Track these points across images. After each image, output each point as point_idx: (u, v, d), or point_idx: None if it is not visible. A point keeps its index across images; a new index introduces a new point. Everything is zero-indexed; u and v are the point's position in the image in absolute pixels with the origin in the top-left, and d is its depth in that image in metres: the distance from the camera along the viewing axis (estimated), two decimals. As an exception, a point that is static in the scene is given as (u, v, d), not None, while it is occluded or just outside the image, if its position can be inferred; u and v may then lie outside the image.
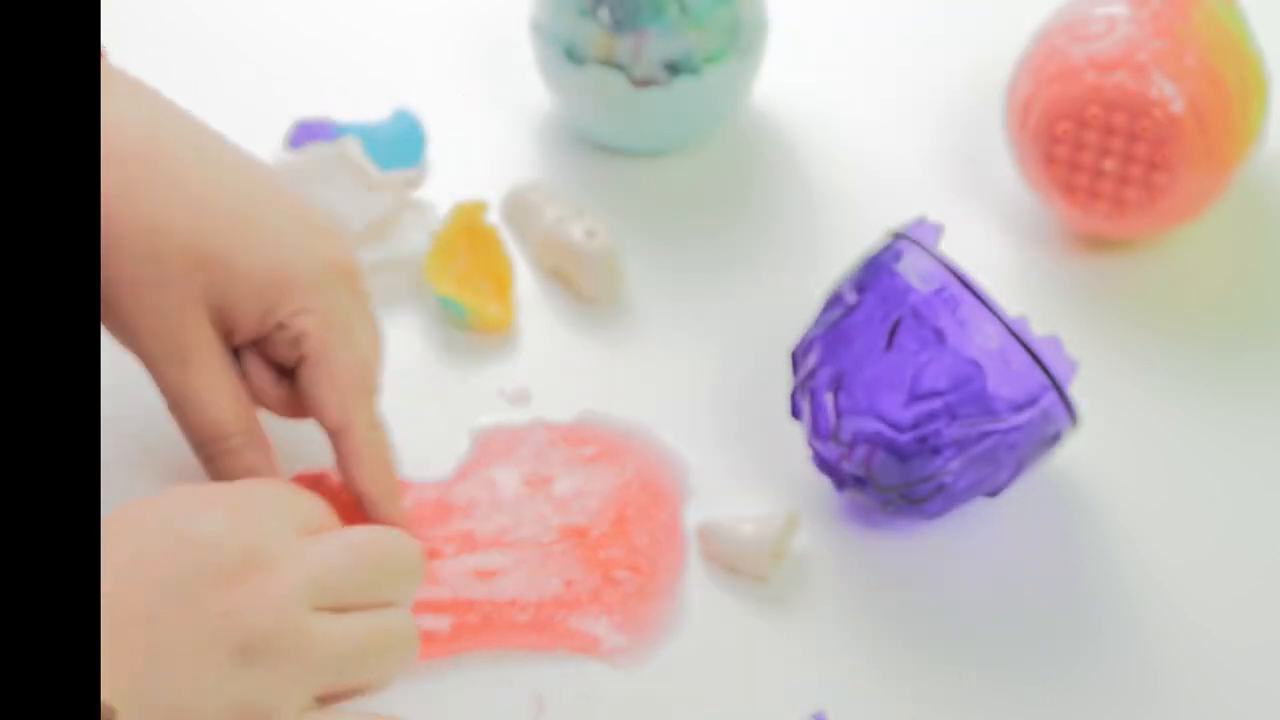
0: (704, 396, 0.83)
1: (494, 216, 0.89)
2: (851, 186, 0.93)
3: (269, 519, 0.65)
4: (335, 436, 0.75)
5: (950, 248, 0.76)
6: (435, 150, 0.93)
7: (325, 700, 0.64)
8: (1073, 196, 0.86)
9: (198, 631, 0.61)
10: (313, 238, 0.75)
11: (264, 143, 0.90)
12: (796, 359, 0.78)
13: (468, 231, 0.86)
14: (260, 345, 0.75)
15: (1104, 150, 0.84)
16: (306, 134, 0.90)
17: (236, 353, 0.75)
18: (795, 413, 0.78)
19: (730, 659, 0.74)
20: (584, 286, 0.87)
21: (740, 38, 0.90)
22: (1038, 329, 0.79)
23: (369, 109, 0.93)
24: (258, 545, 0.63)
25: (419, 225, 0.88)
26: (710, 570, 0.77)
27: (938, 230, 0.77)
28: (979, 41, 0.99)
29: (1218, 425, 0.82)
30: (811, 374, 0.76)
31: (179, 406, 0.74)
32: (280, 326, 0.74)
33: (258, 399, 0.76)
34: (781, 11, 0.96)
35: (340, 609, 0.64)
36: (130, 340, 0.73)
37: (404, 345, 0.85)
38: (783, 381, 0.81)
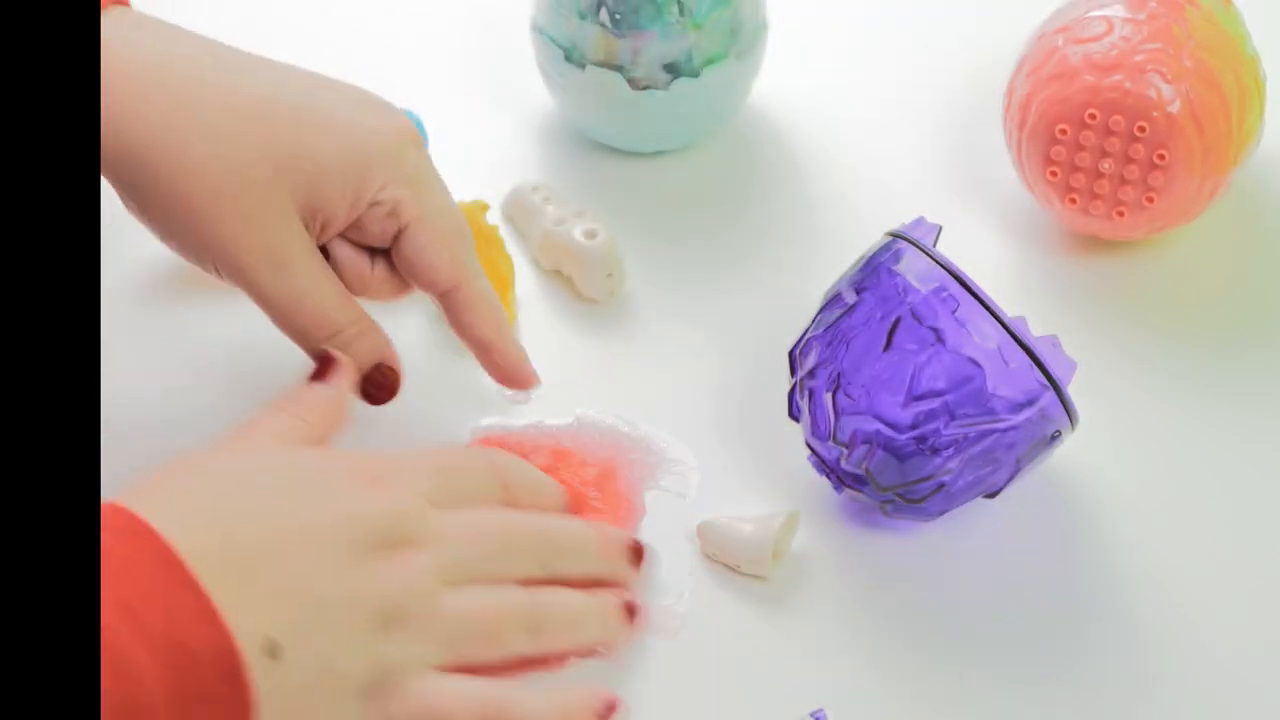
0: (704, 396, 0.83)
1: (494, 217, 0.90)
2: (851, 187, 0.93)
3: (417, 491, 0.68)
4: (450, 294, 0.77)
5: (949, 248, 0.77)
6: (436, 151, 0.93)
7: (465, 671, 0.67)
8: (1071, 197, 0.86)
9: (344, 597, 0.64)
10: (376, 114, 0.75)
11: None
12: (795, 359, 0.78)
13: (468, 231, 0.87)
14: (349, 233, 0.76)
15: (1102, 151, 0.84)
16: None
17: (324, 249, 0.76)
18: (794, 413, 0.78)
19: (730, 659, 0.74)
20: (584, 286, 0.87)
21: (740, 39, 0.90)
22: (1036, 329, 0.79)
23: (370, 110, 0.93)
24: (403, 522, 0.67)
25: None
26: (710, 570, 0.77)
27: (936, 230, 0.77)
28: (978, 42, 0.99)
29: (1216, 425, 0.82)
30: (810, 374, 0.76)
31: (287, 311, 0.74)
32: (373, 204, 0.74)
33: (357, 288, 0.77)
34: (781, 12, 0.96)
35: (475, 584, 0.68)
36: (223, 259, 0.73)
37: (404, 345, 0.85)
38: (782, 381, 0.81)
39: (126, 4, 0.75)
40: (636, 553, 0.73)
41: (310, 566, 0.64)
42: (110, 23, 0.73)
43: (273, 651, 0.61)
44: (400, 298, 0.79)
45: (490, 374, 0.79)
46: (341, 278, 0.76)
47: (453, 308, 0.77)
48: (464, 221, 0.77)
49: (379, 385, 0.76)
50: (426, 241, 0.75)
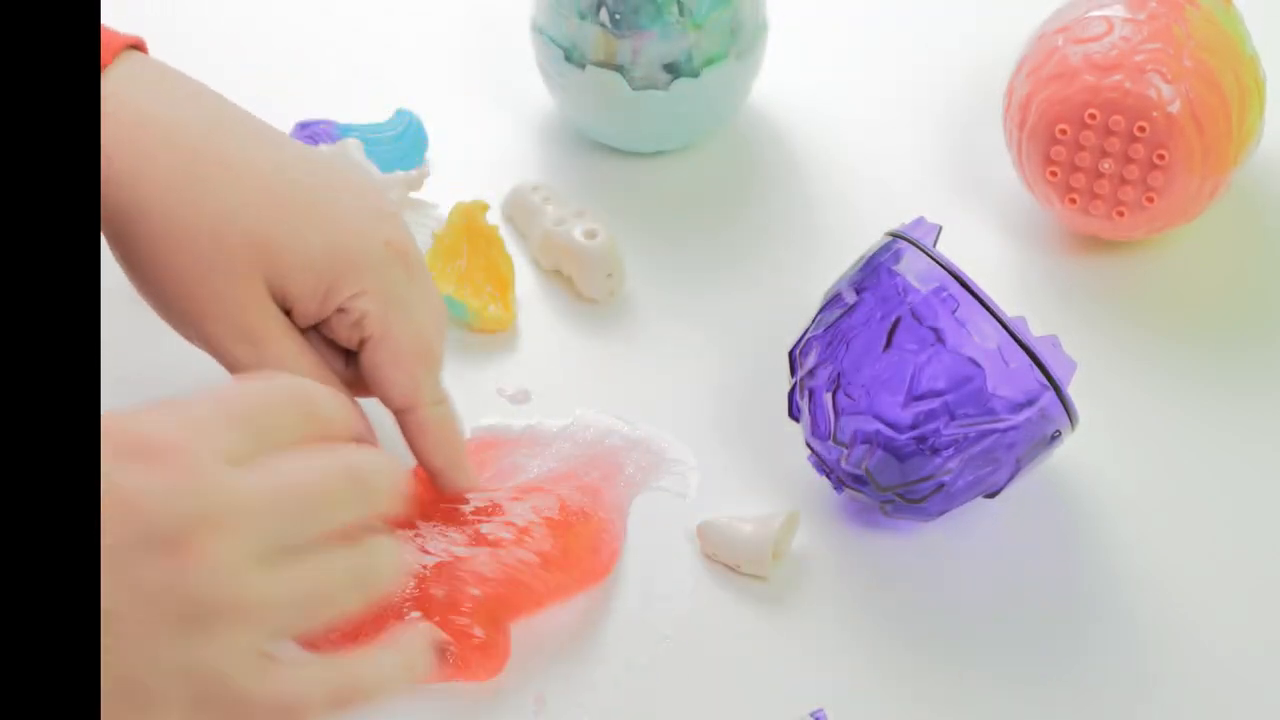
0: (704, 396, 0.83)
1: (494, 217, 0.90)
2: (850, 187, 0.93)
3: (206, 460, 0.59)
4: (401, 415, 0.76)
5: (949, 248, 0.77)
6: (436, 151, 0.93)
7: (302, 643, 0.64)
8: (1071, 197, 0.86)
9: (142, 603, 0.57)
10: (368, 221, 0.75)
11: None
12: (795, 359, 0.78)
13: (469, 231, 0.87)
14: (320, 329, 0.76)
15: (1102, 151, 0.84)
16: (308, 135, 0.90)
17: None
18: (794, 413, 0.78)
19: (730, 659, 0.74)
20: (584, 286, 0.87)
21: (740, 39, 0.90)
22: (1036, 329, 0.79)
23: (370, 110, 0.93)
24: (199, 501, 0.58)
25: (420, 225, 0.88)
26: (710, 570, 0.77)
27: (936, 230, 0.77)
28: (978, 42, 0.99)
29: (1216, 425, 0.82)
30: (810, 374, 0.76)
31: None
32: (340, 310, 0.74)
33: (325, 382, 0.76)
34: (781, 12, 0.96)
35: (289, 551, 0.60)
36: (198, 330, 0.73)
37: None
38: (782, 381, 0.81)
39: (144, 50, 0.75)
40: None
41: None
42: (127, 72, 0.73)
43: None
44: (366, 397, 0.77)
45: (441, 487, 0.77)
46: None
47: (405, 427, 0.76)
48: (430, 346, 0.76)
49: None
50: (383, 359, 0.75)
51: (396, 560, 0.63)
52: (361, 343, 0.75)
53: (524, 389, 0.83)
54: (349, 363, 0.77)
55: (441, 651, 0.67)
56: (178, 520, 0.58)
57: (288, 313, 0.74)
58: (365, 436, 0.71)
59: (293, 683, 0.59)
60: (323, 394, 0.64)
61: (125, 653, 0.57)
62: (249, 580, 0.58)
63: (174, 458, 0.59)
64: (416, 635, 0.63)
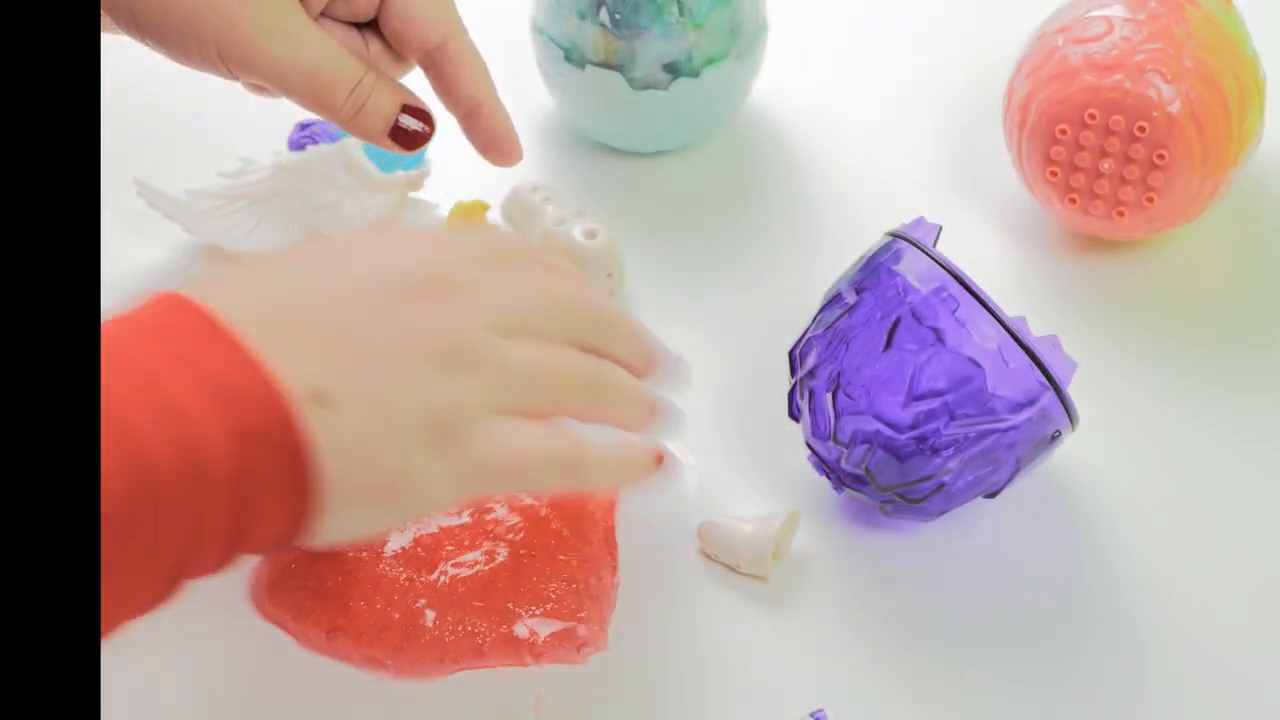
0: (704, 396, 0.83)
1: (494, 217, 0.90)
2: (850, 187, 0.93)
3: (462, 253, 0.67)
4: (439, 50, 0.76)
5: (949, 248, 0.77)
6: (436, 151, 0.93)
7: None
8: (1071, 197, 0.86)
9: (390, 339, 0.63)
10: None
11: (266, 143, 0.90)
12: (795, 359, 0.78)
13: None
14: (336, 10, 0.76)
15: (1102, 151, 0.84)
16: (308, 135, 0.90)
17: None
18: (794, 413, 0.78)
19: (730, 659, 0.74)
20: (584, 287, 0.87)
21: (740, 39, 0.90)
22: (1036, 329, 0.79)
23: (370, 110, 0.93)
24: (447, 273, 0.65)
25: (420, 225, 0.88)
26: (710, 570, 0.77)
27: (936, 230, 0.77)
28: (978, 42, 0.99)
29: (1216, 425, 0.82)
30: (810, 374, 0.76)
31: (305, 76, 0.74)
32: None
33: None
34: (781, 12, 0.96)
35: (532, 337, 0.66)
36: (229, 43, 0.73)
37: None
38: (782, 381, 0.81)
39: None
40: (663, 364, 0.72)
41: (353, 314, 0.63)
42: None
43: (323, 400, 0.60)
44: (397, 74, 0.78)
45: (475, 142, 0.78)
46: None
47: (442, 65, 0.77)
48: None
49: (414, 124, 0.76)
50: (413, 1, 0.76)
51: (625, 388, 0.69)
52: (384, 2, 0.75)
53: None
54: (368, 43, 0.77)
55: (660, 462, 0.69)
56: (431, 280, 0.65)
57: None
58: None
59: (520, 434, 0.64)
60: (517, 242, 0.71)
61: (378, 377, 0.62)
62: (492, 340, 0.64)
63: (434, 244, 0.67)
64: (642, 445, 0.68)
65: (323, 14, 0.76)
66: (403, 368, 0.63)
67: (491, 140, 0.78)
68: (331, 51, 0.74)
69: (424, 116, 0.77)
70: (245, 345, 0.60)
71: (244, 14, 0.72)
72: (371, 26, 0.77)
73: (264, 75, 0.74)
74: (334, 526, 0.62)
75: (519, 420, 0.65)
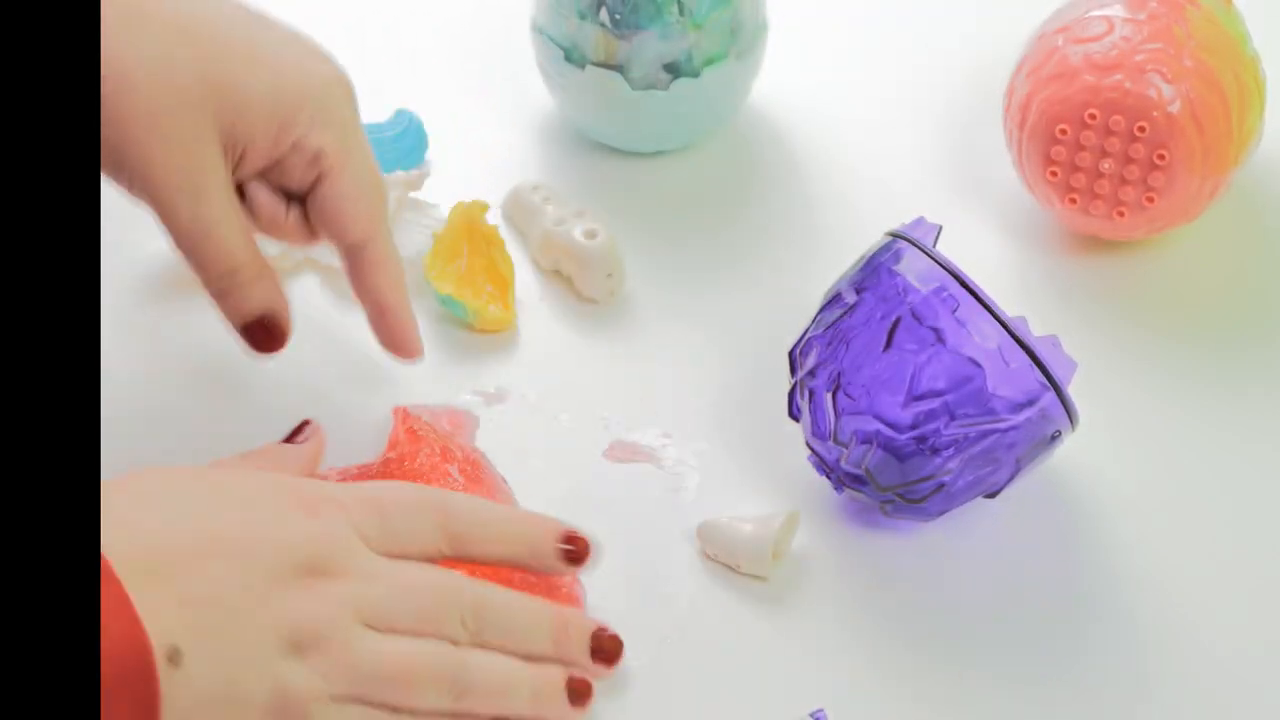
0: (704, 396, 0.83)
1: (494, 217, 0.90)
2: (851, 187, 0.93)
3: (352, 533, 0.66)
4: (357, 250, 0.76)
5: (949, 248, 0.77)
6: (436, 151, 0.93)
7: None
8: (1071, 197, 0.86)
9: (254, 616, 0.63)
10: (314, 60, 0.75)
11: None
12: (796, 359, 0.78)
13: (469, 231, 0.87)
14: (268, 174, 0.75)
15: (1102, 151, 0.84)
16: (307, 135, 0.90)
17: (240, 188, 0.76)
18: (794, 413, 0.78)
19: (730, 659, 0.74)
20: (584, 286, 0.87)
21: (740, 39, 0.90)
22: (1036, 329, 0.79)
23: (370, 110, 0.93)
24: (329, 558, 0.65)
25: (420, 225, 0.88)
26: (710, 570, 0.77)
27: (936, 230, 0.77)
28: (978, 43, 0.99)
29: (1217, 425, 0.82)
30: (811, 374, 0.76)
31: (193, 241, 0.73)
32: (296, 147, 0.74)
33: (269, 228, 0.77)
34: (781, 12, 0.96)
35: (392, 630, 0.65)
36: (143, 180, 0.72)
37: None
38: (783, 381, 0.81)
39: None
40: (601, 642, 0.69)
41: (226, 579, 0.63)
42: None
43: (173, 658, 0.60)
44: (309, 245, 0.78)
45: (379, 338, 0.79)
46: (256, 219, 0.76)
47: (359, 264, 0.76)
48: (381, 180, 0.77)
49: (266, 333, 0.76)
50: (344, 192, 0.75)
51: (497, 681, 0.66)
52: (318, 179, 0.75)
53: (524, 388, 0.83)
54: (289, 211, 0.76)
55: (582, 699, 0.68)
56: (312, 559, 0.64)
57: (242, 156, 0.74)
58: (503, 553, 0.71)
59: None
60: (464, 508, 0.69)
61: (231, 651, 0.62)
62: (352, 631, 0.64)
63: (325, 513, 0.66)
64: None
65: (260, 173, 0.75)
66: (257, 646, 0.63)
67: (392, 341, 0.79)
68: (230, 229, 0.73)
69: (279, 328, 0.76)
70: (119, 589, 0.60)
71: (165, 157, 0.72)
72: (299, 199, 0.76)
73: (160, 220, 0.73)
74: None
75: (356, 709, 0.64)
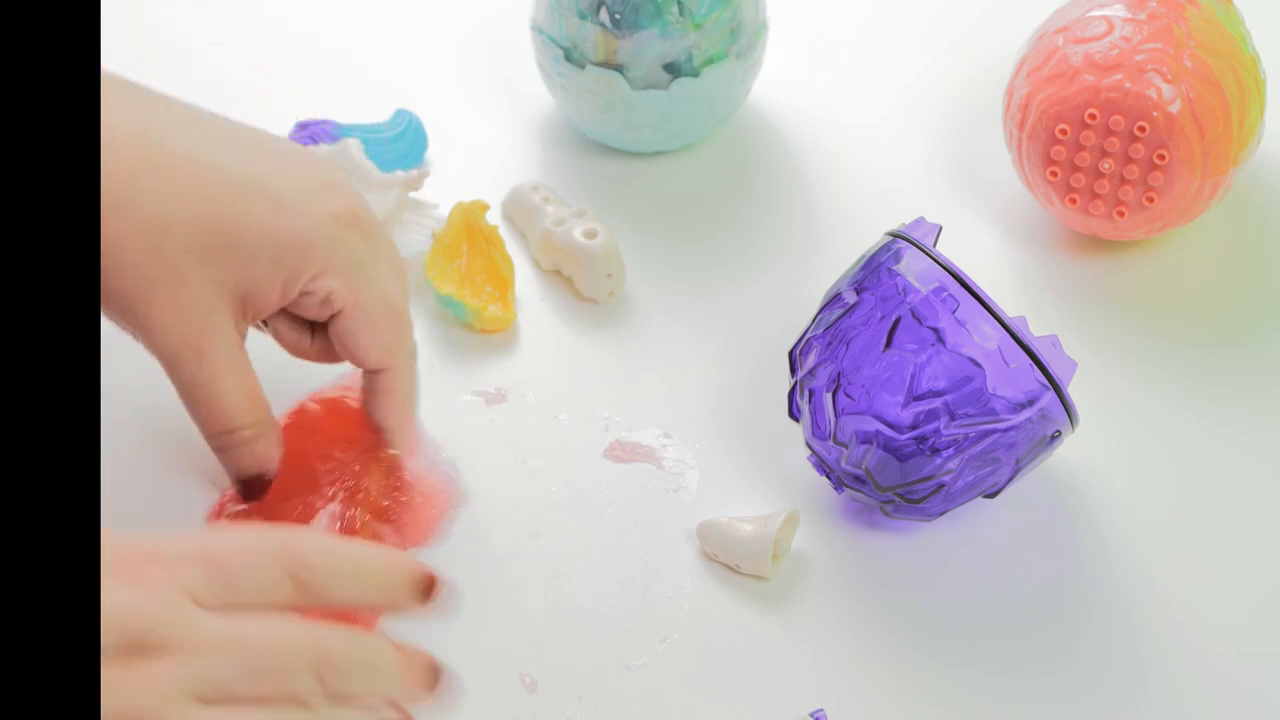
0: (704, 396, 0.83)
1: (494, 217, 0.90)
2: (851, 187, 0.93)
3: (173, 591, 0.60)
4: (375, 376, 0.76)
5: (949, 248, 0.77)
6: (436, 151, 0.93)
7: None
8: (1071, 197, 0.86)
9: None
10: (316, 196, 0.74)
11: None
12: (795, 359, 0.78)
13: (469, 231, 0.87)
14: (288, 309, 0.75)
15: (1102, 151, 0.84)
16: (308, 135, 0.90)
17: (265, 321, 0.76)
18: (794, 413, 0.78)
19: (730, 659, 0.74)
20: (584, 286, 0.87)
21: (740, 39, 0.90)
22: (1036, 329, 0.79)
23: (370, 109, 0.93)
24: (149, 630, 0.59)
25: (420, 225, 0.88)
26: (710, 570, 0.77)
27: (936, 230, 0.77)
28: (978, 43, 0.99)
29: (1216, 425, 0.82)
30: (811, 374, 0.76)
31: (194, 399, 0.73)
32: (305, 293, 0.74)
33: (295, 354, 0.77)
34: (781, 13, 0.96)
35: (231, 701, 0.60)
36: (146, 338, 0.73)
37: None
38: (782, 381, 0.81)
39: None
40: (435, 675, 0.64)
41: None
42: None
43: None
44: (337, 363, 0.78)
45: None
46: (282, 344, 0.77)
47: (372, 386, 0.77)
48: (401, 308, 0.76)
49: (254, 491, 0.76)
50: (358, 329, 0.75)
51: None
52: (332, 318, 0.75)
53: (523, 388, 0.83)
54: (315, 337, 0.77)
55: None
56: (133, 635, 0.58)
57: (256, 309, 0.73)
58: (357, 597, 0.65)
59: None
60: (313, 551, 0.63)
61: None
62: (182, 712, 0.58)
63: (148, 577, 0.60)
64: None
65: (282, 310, 0.75)
66: None
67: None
68: (234, 391, 0.73)
69: (265, 490, 0.76)
70: None
71: (169, 323, 0.71)
72: (321, 325, 0.76)
73: (169, 377, 0.73)
74: None
75: None
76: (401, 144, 0.92)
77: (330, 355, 0.77)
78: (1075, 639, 0.75)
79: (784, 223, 0.91)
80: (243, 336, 0.74)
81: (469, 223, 0.87)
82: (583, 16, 0.89)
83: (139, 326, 0.72)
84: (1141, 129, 0.83)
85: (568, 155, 0.94)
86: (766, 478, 0.80)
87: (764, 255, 0.90)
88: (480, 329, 0.86)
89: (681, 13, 0.88)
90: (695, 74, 0.89)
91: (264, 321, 0.76)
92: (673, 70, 0.89)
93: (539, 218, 0.88)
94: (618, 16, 0.88)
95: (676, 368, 0.84)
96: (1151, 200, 0.84)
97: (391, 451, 0.77)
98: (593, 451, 0.81)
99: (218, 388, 0.73)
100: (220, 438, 0.74)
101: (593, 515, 0.79)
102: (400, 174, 0.88)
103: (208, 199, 0.71)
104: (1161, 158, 0.83)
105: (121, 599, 0.59)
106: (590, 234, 0.87)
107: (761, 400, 0.82)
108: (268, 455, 0.75)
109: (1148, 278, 0.88)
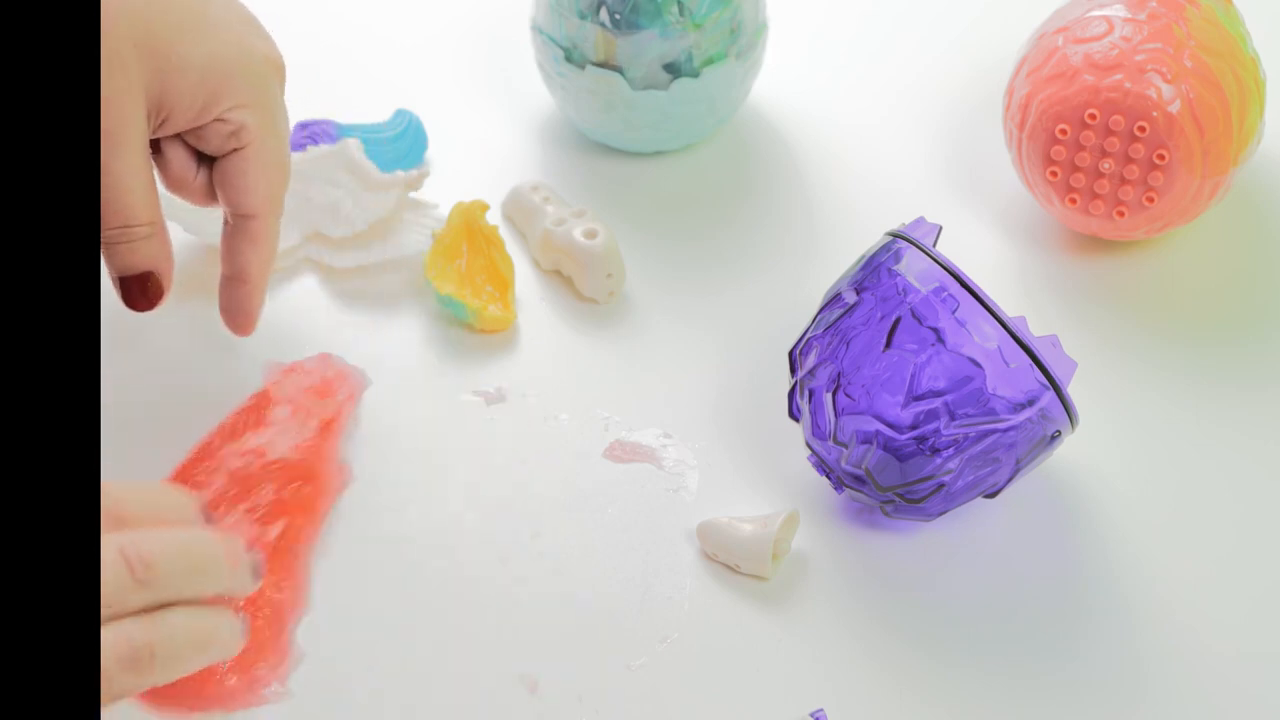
0: (704, 396, 0.83)
1: (494, 217, 0.90)
2: (851, 187, 0.93)
3: None
4: (247, 220, 0.78)
5: (949, 248, 0.77)
6: (436, 151, 0.93)
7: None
8: (1071, 197, 0.86)
9: None
10: (251, 35, 0.77)
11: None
12: (796, 359, 0.78)
13: (469, 231, 0.87)
14: (186, 135, 0.77)
15: (1102, 151, 0.84)
16: (308, 135, 0.90)
17: (156, 144, 0.77)
18: (794, 413, 0.78)
19: (730, 659, 0.74)
20: (584, 286, 0.87)
21: (740, 39, 0.90)
22: (1036, 329, 0.79)
23: (370, 110, 0.93)
24: None
25: (420, 225, 0.88)
26: (710, 570, 0.77)
27: (936, 230, 0.77)
28: (978, 43, 0.99)
29: (1216, 425, 0.82)
30: (811, 374, 0.76)
31: (100, 190, 0.74)
32: (219, 120, 0.76)
33: (175, 185, 0.78)
34: (781, 13, 0.96)
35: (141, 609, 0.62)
36: None
37: (404, 345, 0.85)
38: (782, 381, 0.81)
39: None
40: (255, 563, 0.66)
41: None
42: None
43: None
44: (203, 205, 0.80)
45: (222, 304, 0.80)
46: (165, 175, 0.78)
47: (240, 233, 0.78)
48: (288, 164, 0.79)
49: (142, 290, 0.76)
50: (253, 168, 0.77)
51: (236, 629, 0.64)
52: (232, 151, 0.76)
53: (523, 389, 0.83)
54: (199, 172, 0.78)
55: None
56: None
57: (164, 119, 0.75)
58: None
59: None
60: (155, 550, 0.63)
61: None
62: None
63: None
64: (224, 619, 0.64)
65: (178, 134, 0.76)
66: None
67: (233, 309, 0.80)
68: (138, 185, 0.74)
69: (155, 289, 0.77)
70: None
71: (101, 104, 0.72)
72: (210, 161, 0.78)
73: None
74: None
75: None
76: (401, 144, 0.92)
77: (206, 195, 0.78)
78: (1075, 639, 0.75)
79: (784, 223, 0.91)
80: None
81: (469, 223, 0.87)
82: (583, 16, 0.89)
83: None
84: (1141, 129, 0.83)
85: (568, 155, 0.94)
86: (766, 478, 0.80)
87: (764, 255, 0.90)
88: (480, 329, 0.86)
89: (681, 13, 0.88)
90: (695, 74, 0.89)
91: (155, 147, 0.77)
92: (673, 70, 0.89)
93: (539, 218, 0.89)
94: (618, 16, 0.88)
95: (676, 368, 0.84)
96: (1151, 200, 0.84)
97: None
98: (593, 451, 0.81)
99: (126, 181, 0.73)
100: (118, 232, 0.74)
101: (593, 515, 0.79)
102: (400, 174, 0.88)
103: (151, 9, 0.73)
104: (1161, 158, 0.83)
105: None
106: (590, 234, 0.87)
107: (761, 400, 0.82)
108: (159, 254, 0.76)
109: (1148, 278, 0.88)
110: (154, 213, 0.75)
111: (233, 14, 0.76)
